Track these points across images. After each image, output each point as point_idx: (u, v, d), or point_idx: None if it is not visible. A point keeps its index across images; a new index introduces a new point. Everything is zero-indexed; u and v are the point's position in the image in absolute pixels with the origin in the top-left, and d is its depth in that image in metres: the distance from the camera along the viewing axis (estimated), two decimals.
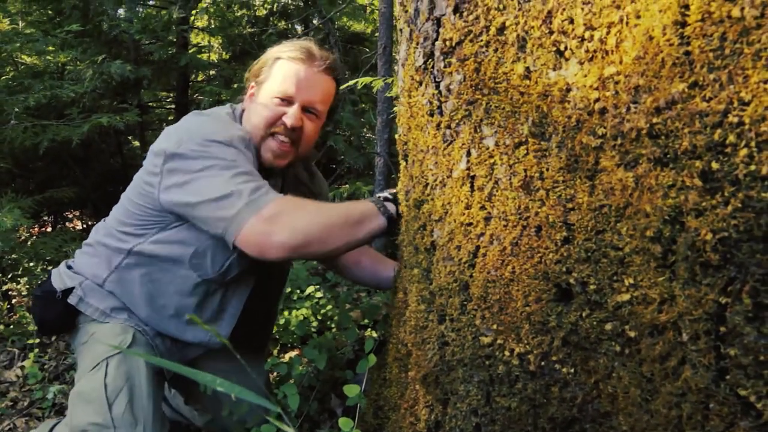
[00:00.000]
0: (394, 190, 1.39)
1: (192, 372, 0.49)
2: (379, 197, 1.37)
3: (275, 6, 5.33)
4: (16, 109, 3.99)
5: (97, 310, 1.52)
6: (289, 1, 5.59)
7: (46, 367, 2.58)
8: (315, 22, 5.07)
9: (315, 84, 1.47)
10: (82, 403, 1.35)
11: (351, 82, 2.41)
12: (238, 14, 5.54)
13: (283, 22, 5.38)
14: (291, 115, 1.43)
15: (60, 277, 1.57)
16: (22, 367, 2.53)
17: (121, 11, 4.95)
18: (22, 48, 4.52)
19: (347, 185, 4.26)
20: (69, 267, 1.61)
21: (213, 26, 5.74)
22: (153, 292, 1.50)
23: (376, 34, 6.18)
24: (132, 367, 1.42)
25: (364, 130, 4.79)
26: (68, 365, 2.57)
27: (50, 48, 4.54)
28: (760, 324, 0.66)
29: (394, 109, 2.48)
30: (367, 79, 2.32)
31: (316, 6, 4.75)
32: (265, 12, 5.59)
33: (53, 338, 2.95)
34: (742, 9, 0.65)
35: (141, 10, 5.08)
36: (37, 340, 2.76)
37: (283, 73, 1.45)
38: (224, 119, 1.48)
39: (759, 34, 0.64)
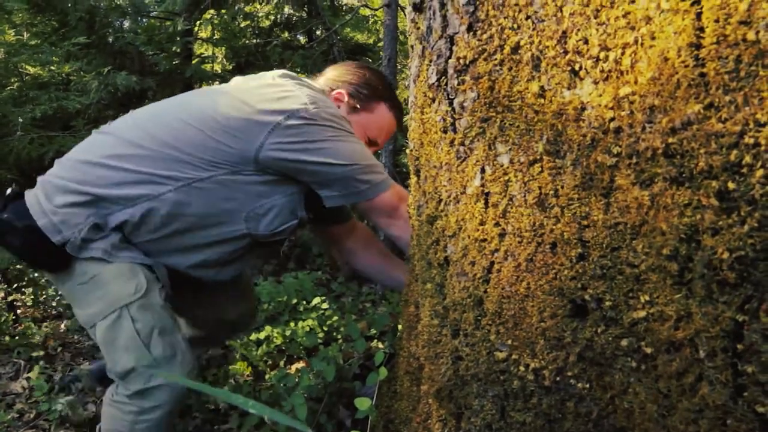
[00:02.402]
0: None
1: (226, 394, 0.50)
2: None
3: (279, 17, 5.37)
4: (21, 120, 4.02)
5: (100, 249, 1.44)
6: (293, 12, 5.63)
7: (52, 378, 2.58)
8: (319, 33, 5.10)
9: (392, 131, 1.71)
10: (121, 352, 1.41)
11: None
12: (243, 25, 5.58)
13: (287, 33, 5.41)
14: None
15: (47, 216, 1.43)
16: (28, 378, 2.54)
17: (126, 23, 4.99)
18: (27, 59, 4.55)
19: None
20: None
21: (217, 37, 5.78)
22: (182, 230, 1.48)
23: (379, 44, 6.23)
24: (152, 307, 1.44)
25: None
26: (74, 377, 2.57)
27: (55, 59, 4.58)
28: None
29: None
30: None
31: (320, 17, 4.78)
32: (269, 23, 5.63)
33: (59, 349, 2.96)
34: (757, 32, 0.66)
35: (145, 21, 5.12)
36: (42, 352, 2.77)
37: (381, 122, 1.67)
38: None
39: None
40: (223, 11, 5.36)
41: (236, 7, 5.07)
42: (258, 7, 5.83)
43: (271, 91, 1.45)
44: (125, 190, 1.42)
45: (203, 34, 5.98)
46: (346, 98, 1.61)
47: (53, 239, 1.41)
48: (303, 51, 4.96)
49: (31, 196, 1.48)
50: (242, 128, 1.39)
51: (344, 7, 5.89)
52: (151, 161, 1.42)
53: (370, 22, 5.87)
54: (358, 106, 1.61)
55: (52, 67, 4.92)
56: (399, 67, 4.89)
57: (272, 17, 5.55)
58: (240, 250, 1.56)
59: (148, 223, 1.44)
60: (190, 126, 1.43)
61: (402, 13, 4.07)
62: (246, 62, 5.20)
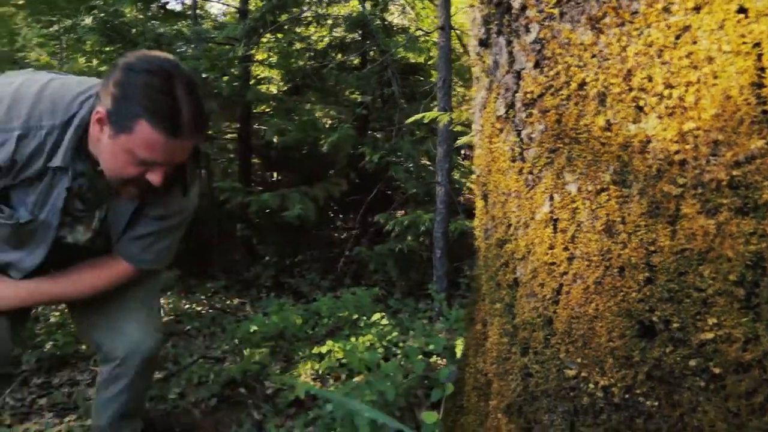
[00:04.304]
0: None
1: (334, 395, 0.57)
2: None
3: (333, 40, 5.53)
4: None
5: None
6: (347, 34, 5.79)
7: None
8: (372, 54, 5.23)
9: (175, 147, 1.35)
10: None
11: (417, 116, 2.52)
12: (298, 48, 5.77)
13: (341, 55, 5.57)
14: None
15: None
16: None
17: (189, 50, 5.22)
18: None
19: (406, 213, 4.36)
20: None
21: (273, 60, 5.98)
22: None
23: (430, 62, 6.33)
24: None
25: (422, 157, 4.89)
26: None
27: None
28: None
29: (458, 141, 2.56)
30: (432, 114, 2.41)
31: (374, 39, 4.91)
32: (323, 45, 5.80)
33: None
34: None
35: (205, 47, 5.35)
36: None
37: (146, 142, 1.30)
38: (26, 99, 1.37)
39: None
40: (280, 35, 5.56)
41: (292, 33, 5.26)
42: (313, 29, 6.02)
43: None
44: None
45: (259, 57, 6.20)
46: (106, 119, 1.33)
47: None
48: (357, 72, 5.11)
49: None
50: None
51: (396, 28, 6.01)
52: None
53: (420, 41, 5.96)
54: (117, 129, 1.31)
55: None
56: (454, 88, 4.99)
57: (327, 40, 5.71)
58: None
59: None
60: None
61: (455, 34, 4.15)
62: (302, 84, 5.37)
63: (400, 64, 5.37)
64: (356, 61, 5.69)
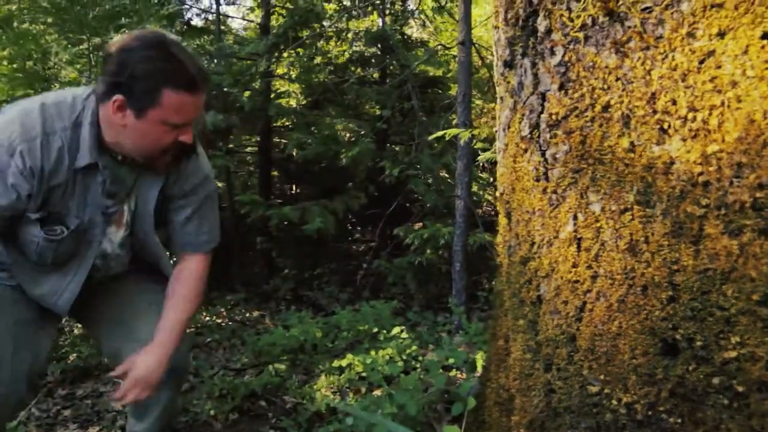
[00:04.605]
0: None
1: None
2: None
3: (353, 54, 5.59)
4: None
5: None
6: (366, 48, 5.85)
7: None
8: (392, 68, 5.29)
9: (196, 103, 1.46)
10: None
11: (439, 133, 2.55)
12: (319, 62, 5.85)
13: (361, 70, 5.63)
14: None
15: None
16: None
17: (212, 65, 5.32)
18: None
19: (425, 226, 4.39)
20: None
21: (293, 74, 6.06)
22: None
23: (449, 75, 6.38)
24: None
25: (443, 170, 4.92)
26: None
27: None
28: None
29: (479, 158, 2.59)
30: (453, 131, 2.44)
31: (394, 54, 4.96)
32: (344, 60, 5.87)
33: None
34: None
35: (229, 62, 5.44)
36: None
37: (174, 107, 1.40)
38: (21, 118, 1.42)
39: None
40: (300, 50, 5.64)
41: (313, 47, 5.33)
42: (333, 44, 6.10)
43: None
44: None
45: (280, 71, 6.28)
46: (126, 104, 1.39)
47: None
48: (377, 87, 5.16)
49: None
50: None
51: (415, 42, 6.07)
52: None
53: (440, 55, 6.01)
54: (146, 107, 1.38)
55: None
56: (474, 102, 5.02)
57: (347, 54, 5.78)
58: None
59: None
60: None
61: (474, 48, 4.19)
62: (323, 98, 5.43)
63: (419, 77, 5.42)
64: (376, 75, 5.75)
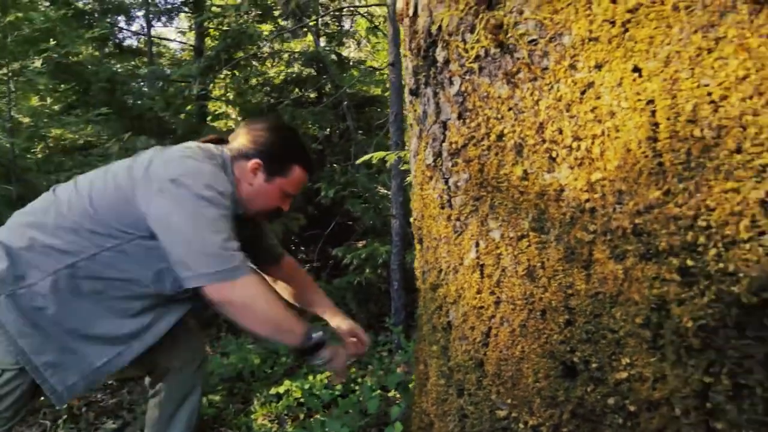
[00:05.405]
0: (323, 336, 1.62)
1: None
2: (314, 332, 1.60)
3: (290, 75, 5.58)
4: (45, 183, 4.19)
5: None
6: (303, 69, 5.85)
7: None
8: (328, 89, 5.29)
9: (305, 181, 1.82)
10: None
11: (366, 157, 2.56)
12: (255, 83, 5.80)
13: (297, 90, 5.62)
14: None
15: None
16: None
17: (144, 88, 5.22)
18: (51, 124, 4.77)
19: (365, 245, 4.39)
20: None
21: (230, 96, 6.00)
22: (78, 307, 1.50)
23: (387, 94, 6.43)
24: (23, 385, 1.49)
25: (379, 189, 4.94)
26: None
27: (75, 119, 4.77)
28: (739, 402, 0.75)
29: (408, 179, 2.60)
30: (380, 154, 2.46)
31: (329, 74, 4.98)
32: (280, 81, 5.85)
33: (83, 409, 3.04)
34: (702, 130, 0.76)
35: (162, 85, 5.35)
36: (67, 413, 2.85)
37: (296, 181, 1.74)
38: (216, 169, 1.57)
39: (717, 151, 0.75)
40: (236, 72, 5.59)
41: (248, 69, 5.29)
42: (270, 65, 6.07)
43: (159, 161, 1.52)
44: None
45: (216, 92, 6.21)
46: (262, 168, 1.66)
47: None
48: (313, 107, 5.15)
49: None
50: (135, 197, 1.48)
51: (351, 62, 6.10)
52: (83, 237, 1.49)
53: (377, 75, 6.06)
54: (276, 174, 1.68)
55: (73, 131, 5.14)
56: (405, 124, 5.06)
57: (283, 76, 5.76)
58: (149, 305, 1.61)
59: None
60: (109, 199, 1.50)
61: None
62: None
63: (356, 97, 5.45)
64: (313, 96, 5.75)
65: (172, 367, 1.94)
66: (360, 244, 4.59)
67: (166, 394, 1.97)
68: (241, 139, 1.70)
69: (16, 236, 1.49)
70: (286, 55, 5.81)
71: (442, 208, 1.16)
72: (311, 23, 5.55)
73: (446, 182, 1.15)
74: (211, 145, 1.66)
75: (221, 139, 1.75)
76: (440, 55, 1.14)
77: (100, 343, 1.53)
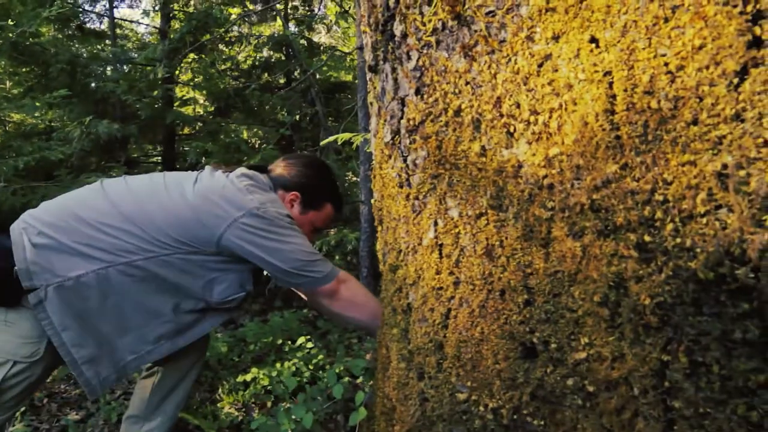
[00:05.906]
0: None
1: None
2: None
3: (258, 60, 5.48)
4: (5, 168, 4.06)
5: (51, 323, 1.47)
6: (272, 54, 5.75)
7: (39, 429, 2.59)
8: (297, 74, 5.21)
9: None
10: None
11: (331, 138, 2.51)
12: (222, 68, 5.69)
13: (266, 75, 5.52)
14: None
15: (25, 263, 1.47)
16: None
17: (107, 71, 5.07)
18: (10, 108, 4.61)
19: (334, 232, 4.34)
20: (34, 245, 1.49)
21: (198, 80, 5.88)
22: (125, 307, 1.55)
23: (357, 81, 6.35)
24: (31, 377, 1.52)
25: (349, 175, 4.89)
26: (62, 426, 2.59)
27: (38, 104, 4.63)
28: (696, 380, 0.74)
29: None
30: (347, 135, 2.41)
31: (297, 59, 4.89)
32: (248, 65, 5.74)
33: (45, 401, 2.96)
34: (659, 101, 0.74)
35: (126, 68, 5.21)
36: (28, 404, 2.77)
37: (326, 217, 1.91)
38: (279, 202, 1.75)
39: (674, 123, 0.73)
40: (203, 56, 5.47)
41: (215, 52, 5.18)
42: (237, 49, 5.96)
43: (231, 188, 1.62)
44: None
45: (183, 78, 6.08)
46: (299, 200, 1.82)
47: (22, 283, 1.45)
48: (282, 92, 5.07)
49: (16, 235, 1.51)
50: (207, 218, 1.56)
51: (321, 48, 6.02)
52: (137, 239, 1.54)
53: (347, 60, 5.99)
54: (310, 208, 1.84)
55: (35, 116, 4.99)
56: None
57: (251, 60, 5.65)
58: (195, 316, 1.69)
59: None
60: (169, 211, 1.57)
61: None
62: (226, 105, 5.29)
63: (326, 83, 5.37)
64: (282, 81, 5.66)
65: (173, 355, 1.94)
66: (331, 231, 4.54)
67: (161, 378, 2.03)
68: (281, 170, 1.85)
69: (63, 226, 1.51)
70: (254, 39, 5.70)
71: (401, 187, 1.13)
72: (279, 7, 5.45)
73: (404, 160, 1.11)
74: (258, 174, 1.79)
75: (263, 167, 1.89)
76: (398, 29, 1.11)
77: (135, 339, 1.60)
